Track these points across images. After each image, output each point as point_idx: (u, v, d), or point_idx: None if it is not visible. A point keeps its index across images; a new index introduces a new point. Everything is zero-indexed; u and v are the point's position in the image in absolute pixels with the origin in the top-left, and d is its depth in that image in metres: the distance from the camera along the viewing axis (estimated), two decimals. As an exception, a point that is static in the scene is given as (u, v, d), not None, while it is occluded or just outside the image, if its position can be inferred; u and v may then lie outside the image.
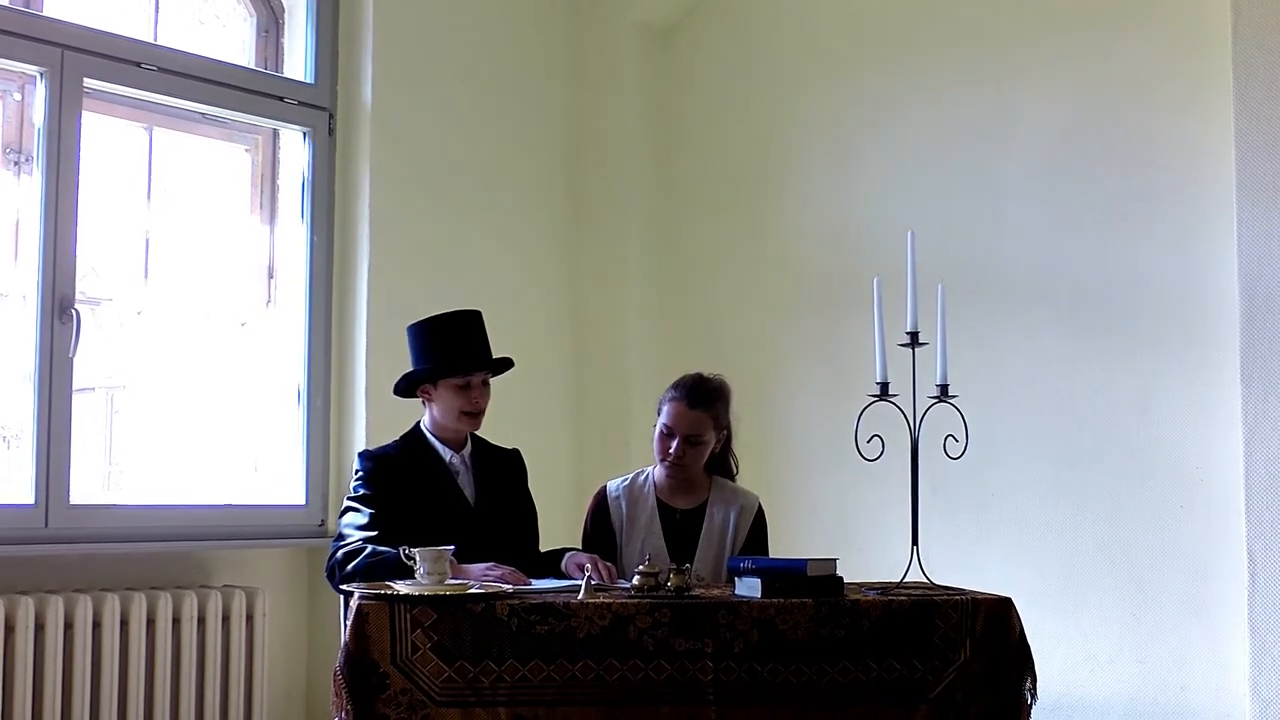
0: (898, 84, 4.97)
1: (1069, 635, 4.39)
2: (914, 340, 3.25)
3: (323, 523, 4.73)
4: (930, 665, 3.02)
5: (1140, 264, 4.36)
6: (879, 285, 3.30)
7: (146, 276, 4.56)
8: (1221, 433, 4.13)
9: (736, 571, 3.23)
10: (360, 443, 4.64)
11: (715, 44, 5.51)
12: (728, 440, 3.84)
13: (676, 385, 3.74)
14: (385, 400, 3.93)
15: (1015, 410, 4.56)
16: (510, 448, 3.90)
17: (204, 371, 4.68)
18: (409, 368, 3.71)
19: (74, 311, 4.16)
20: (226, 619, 4.33)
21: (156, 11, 4.59)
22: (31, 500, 4.08)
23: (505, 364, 3.76)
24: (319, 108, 4.87)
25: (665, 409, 3.72)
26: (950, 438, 3.23)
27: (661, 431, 3.72)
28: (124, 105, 4.47)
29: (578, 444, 5.48)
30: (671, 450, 3.69)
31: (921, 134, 4.89)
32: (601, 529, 3.82)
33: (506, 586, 3.13)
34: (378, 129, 4.86)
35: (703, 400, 3.69)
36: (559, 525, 4.31)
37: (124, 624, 4.09)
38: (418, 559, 3.08)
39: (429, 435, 3.72)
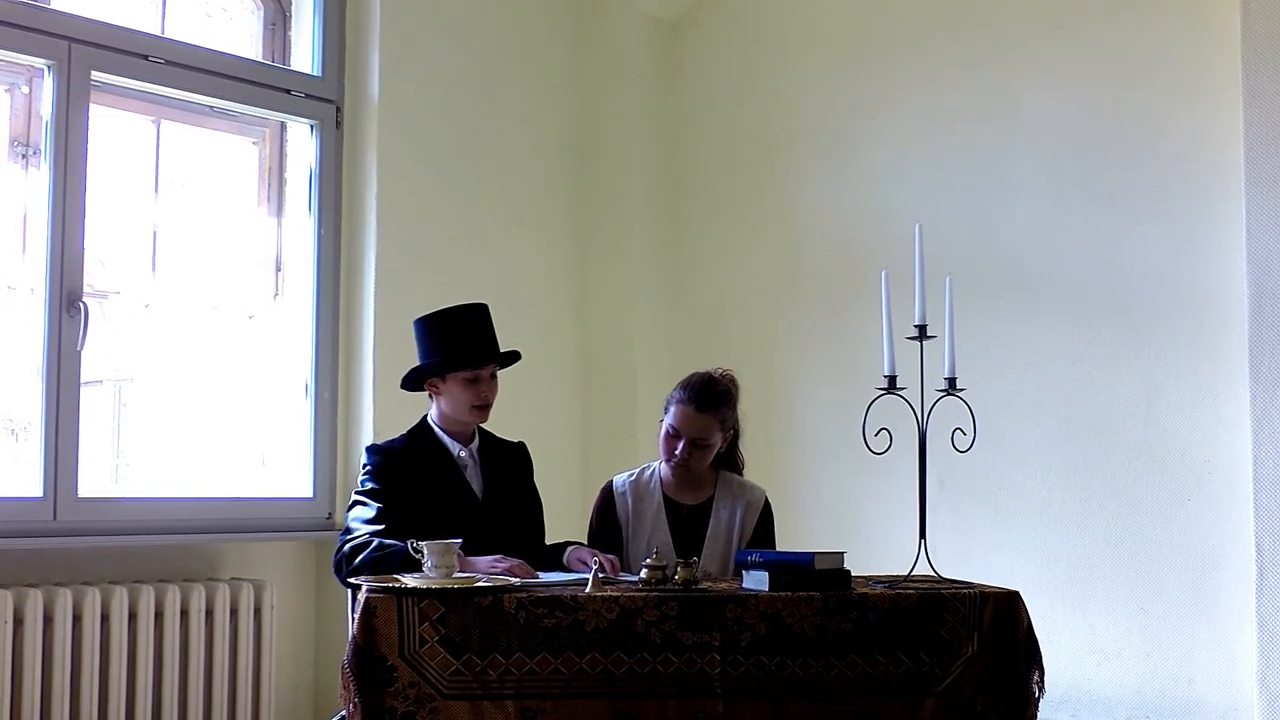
0: (904, 75, 4.95)
1: (1076, 628, 4.38)
2: (922, 333, 3.24)
3: (330, 515, 4.74)
4: (938, 659, 3.01)
5: (1148, 255, 4.35)
6: (887, 278, 3.30)
7: (154, 269, 4.57)
8: (1229, 425, 4.12)
9: (744, 565, 3.23)
10: (368, 435, 4.65)
11: (721, 37, 5.50)
12: (735, 438, 3.83)
13: (684, 386, 3.71)
14: (393, 393, 3.93)
15: (1023, 403, 4.55)
16: (516, 441, 3.91)
17: (211, 365, 4.69)
18: (416, 360, 3.71)
19: (82, 304, 4.16)
20: (234, 612, 4.34)
21: (164, 4, 4.59)
22: (40, 493, 4.09)
23: (513, 357, 3.76)
24: (326, 100, 4.87)
25: (672, 410, 3.70)
26: (958, 430, 3.22)
27: (668, 432, 3.70)
28: (131, 98, 4.47)
29: (584, 437, 5.48)
30: (677, 452, 3.68)
31: (928, 126, 4.88)
32: (607, 524, 3.81)
33: (514, 579, 3.13)
34: (385, 122, 4.86)
35: (710, 404, 3.67)
36: (565, 519, 4.31)
37: (132, 617, 4.11)
38: (425, 552, 3.09)
39: (436, 429, 3.72)
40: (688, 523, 3.77)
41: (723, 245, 5.43)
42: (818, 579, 3.09)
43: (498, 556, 3.36)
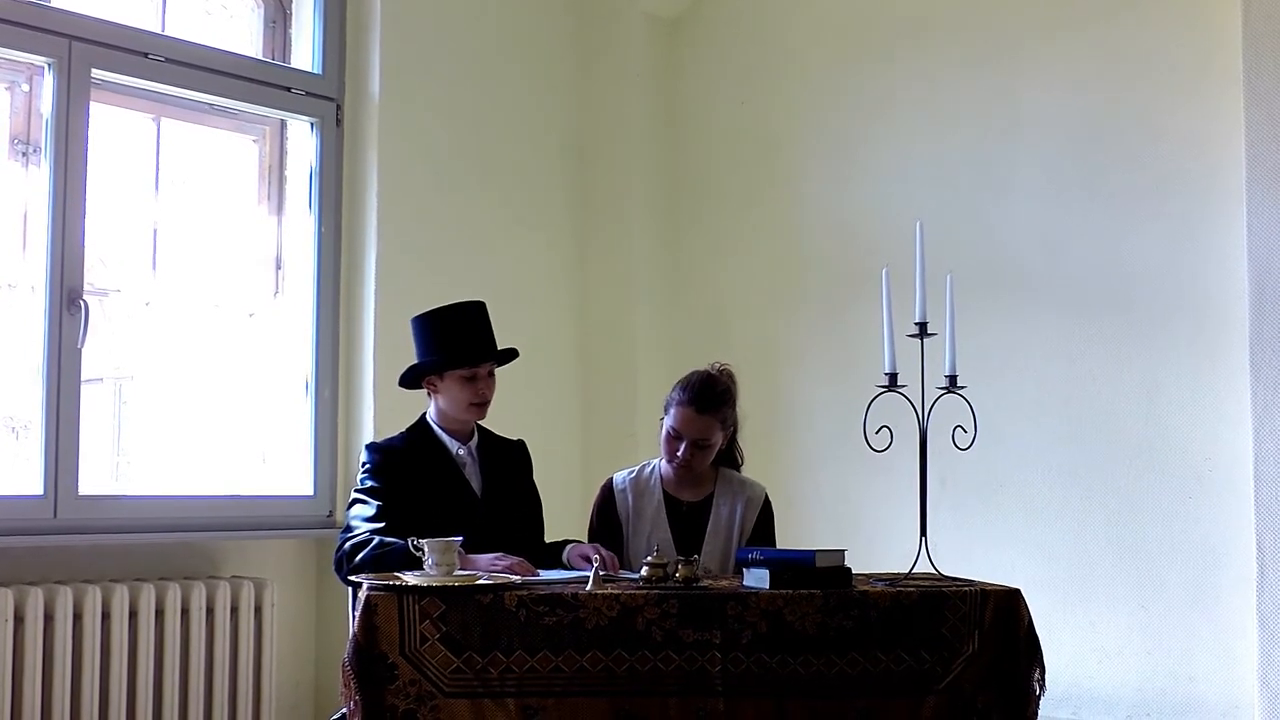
0: (904, 74, 4.96)
1: (1077, 626, 4.39)
2: (922, 331, 3.24)
3: (331, 513, 4.74)
4: (938, 656, 3.01)
5: (1149, 254, 4.35)
6: (887, 276, 3.29)
7: (154, 267, 4.56)
8: (1230, 423, 4.13)
9: (744, 563, 3.23)
10: (368, 433, 4.65)
11: (722, 35, 5.50)
12: (733, 434, 3.83)
13: (683, 387, 3.69)
14: (393, 391, 3.93)
15: (1023, 401, 4.55)
16: (515, 439, 3.90)
17: (212, 362, 4.69)
18: (415, 359, 3.71)
19: (82, 302, 4.16)
20: (235, 610, 4.34)
21: (164, 2, 4.59)
22: (40, 491, 4.09)
23: (510, 354, 3.76)
24: (326, 98, 4.87)
25: (672, 411, 3.69)
26: (959, 428, 3.22)
27: (669, 434, 3.70)
28: (132, 96, 4.47)
29: (584, 437, 5.48)
30: (679, 454, 3.68)
31: (928, 124, 4.88)
32: (607, 521, 3.81)
33: (515, 577, 3.13)
34: (385, 120, 4.86)
35: (710, 405, 3.66)
36: (565, 518, 4.31)
37: (132, 615, 4.10)
38: (426, 550, 3.09)
39: (435, 427, 3.72)
40: (688, 520, 3.77)
41: (723, 245, 5.43)
42: (818, 577, 3.08)
43: (498, 554, 3.36)
